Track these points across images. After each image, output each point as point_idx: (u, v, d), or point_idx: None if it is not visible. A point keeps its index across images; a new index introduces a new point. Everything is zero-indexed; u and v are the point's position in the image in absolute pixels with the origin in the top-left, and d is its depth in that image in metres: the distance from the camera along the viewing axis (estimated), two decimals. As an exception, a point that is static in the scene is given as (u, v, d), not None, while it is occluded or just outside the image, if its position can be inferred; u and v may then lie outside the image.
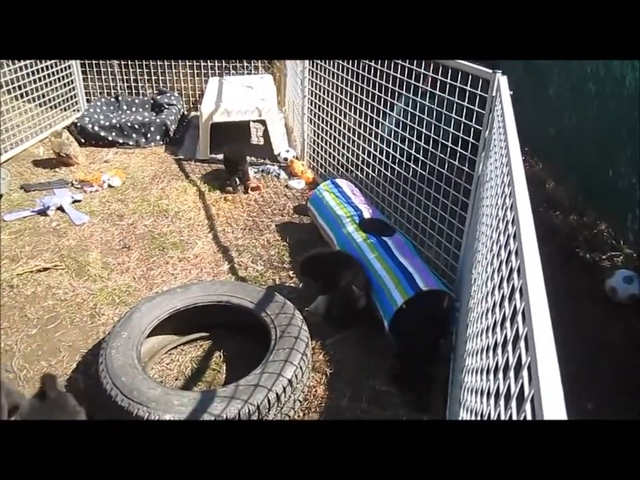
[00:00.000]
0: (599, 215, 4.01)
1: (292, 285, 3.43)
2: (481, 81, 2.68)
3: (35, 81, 5.35)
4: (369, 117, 3.85)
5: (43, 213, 4.17)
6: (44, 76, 5.42)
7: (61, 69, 5.68)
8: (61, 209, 4.23)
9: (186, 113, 6.32)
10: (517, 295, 1.23)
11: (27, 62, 5.22)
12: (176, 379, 2.75)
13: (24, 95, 5.31)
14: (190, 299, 2.80)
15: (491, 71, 2.57)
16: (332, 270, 3.14)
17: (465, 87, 2.77)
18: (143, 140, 5.51)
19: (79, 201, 4.39)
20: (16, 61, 5.14)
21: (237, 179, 4.63)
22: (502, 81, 2.50)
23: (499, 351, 1.36)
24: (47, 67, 5.43)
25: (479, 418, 1.45)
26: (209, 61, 6.26)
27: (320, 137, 4.61)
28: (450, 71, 2.85)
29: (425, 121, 3.27)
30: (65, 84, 5.78)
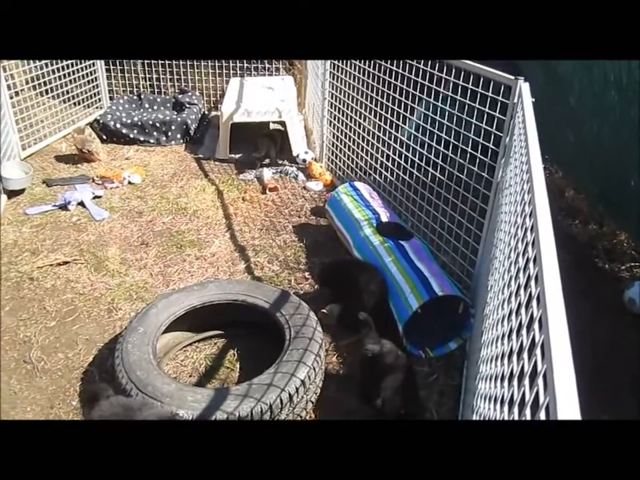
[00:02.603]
0: (618, 225, 3.96)
1: (307, 286, 3.44)
2: (502, 87, 2.67)
3: (59, 78, 5.43)
4: (388, 121, 3.85)
5: (64, 207, 4.24)
6: (69, 73, 5.50)
7: (86, 67, 5.75)
8: (81, 204, 4.29)
9: (206, 112, 6.36)
10: (534, 303, 1.23)
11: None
12: (190, 376, 2.77)
13: (49, 91, 5.40)
14: (206, 296, 2.82)
15: (513, 77, 2.56)
16: (349, 279, 3.15)
17: (486, 92, 2.76)
18: (164, 138, 5.57)
19: (100, 196, 4.45)
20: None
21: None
22: (524, 87, 2.49)
23: (514, 358, 1.35)
24: (71, 64, 5.51)
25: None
26: (230, 62, 6.30)
27: (339, 139, 4.62)
28: (472, 76, 2.84)
29: (445, 126, 3.26)
30: (88, 81, 5.85)
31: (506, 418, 1.28)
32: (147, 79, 6.43)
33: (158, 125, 5.52)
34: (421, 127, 3.56)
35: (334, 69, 4.44)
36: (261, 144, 5.05)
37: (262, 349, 2.82)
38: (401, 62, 3.50)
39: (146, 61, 6.32)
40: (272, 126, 5.55)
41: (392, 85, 3.68)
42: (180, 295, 2.82)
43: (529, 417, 1.08)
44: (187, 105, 5.91)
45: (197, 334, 2.96)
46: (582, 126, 4.38)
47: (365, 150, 4.25)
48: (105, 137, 5.47)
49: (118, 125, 5.48)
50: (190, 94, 6.16)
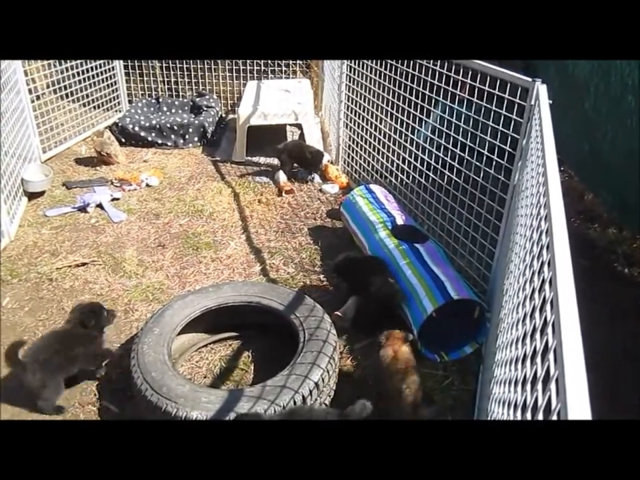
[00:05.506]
0: (634, 230, 3.89)
1: (322, 288, 3.44)
2: (519, 89, 2.65)
3: (80, 82, 5.51)
4: (405, 124, 3.84)
5: (82, 209, 4.29)
6: (89, 77, 5.59)
7: (105, 70, 5.83)
8: (100, 206, 4.34)
9: (224, 115, 6.41)
10: (548, 307, 1.21)
11: (73, 63, 5.40)
12: (204, 377, 2.79)
13: (69, 95, 5.48)
14: (221, 298, 2.84)
15: (530, 79, 2.53)
16: (364, 274, 3.15)
17: (503, 94, 2.74)
18: (181, 141, 5.62)
19: (118, 199, 4.50)
20: (63, 62, 5.32)
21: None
22: (541, 89, 2.46)
23: (528, 362, 1.34)
24: (91, 67, 5.59)
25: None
26: (247, 65, 6.34)
27: (355, 142, 4.62)
28: (488, 78, 2.82)
29: (461, 129, 3.24)
30: (108, 85, 5.94)
31: (519, 423, 1.27)
32: (166, 83, 6.50)
33: (176, 127, 5.57)
34: (437, 130, 3.55)
35: (351, 71, 4.44)
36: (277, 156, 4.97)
37: (276, 350, 2.83)
38: (417, 64, 3.49)
39: (164, 65, 6.39)
40: (289, 136, 5.54)
41: (408, 87, 3.67)
42: (195, 297, 2.84)
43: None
44: (205, 108, 5.96)
45: (211, 335, 2.98)
46: (597, 131, 4.32)
47: (380, 152, 4.24)
48: (123, 140, 5.53)
49: (136, 128, 5.54)
50: (207, 97, 6.21)
